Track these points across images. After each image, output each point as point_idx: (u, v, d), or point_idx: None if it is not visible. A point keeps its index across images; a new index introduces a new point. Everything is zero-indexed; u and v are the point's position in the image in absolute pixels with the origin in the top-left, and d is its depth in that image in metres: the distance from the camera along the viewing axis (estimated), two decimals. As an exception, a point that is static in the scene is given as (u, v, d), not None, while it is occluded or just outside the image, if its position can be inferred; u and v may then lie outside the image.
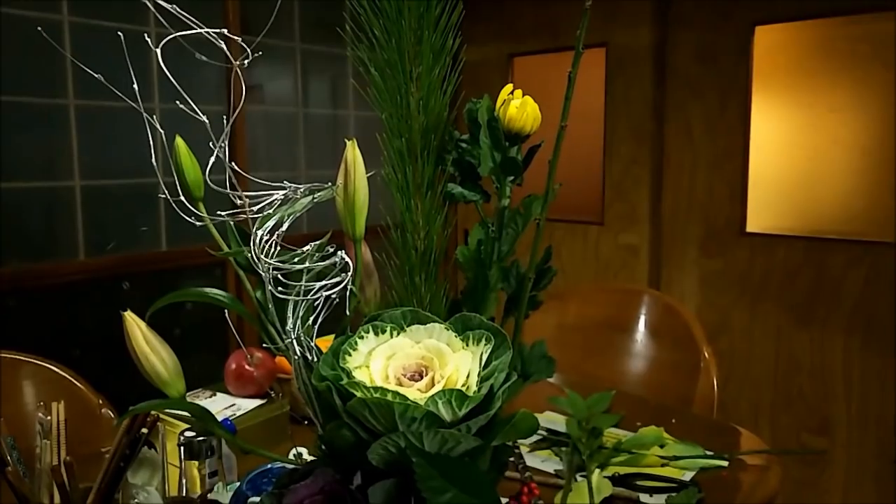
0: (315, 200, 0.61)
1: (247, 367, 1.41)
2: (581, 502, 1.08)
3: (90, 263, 2.24)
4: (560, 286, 2.08)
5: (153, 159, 0.60)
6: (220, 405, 1.37)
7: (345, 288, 0.61)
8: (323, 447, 0.58)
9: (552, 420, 1.39)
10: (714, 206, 2.39)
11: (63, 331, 2.22)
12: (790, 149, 2.26)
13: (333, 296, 0.64)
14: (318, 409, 0.60)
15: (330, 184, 0.60)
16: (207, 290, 0.67)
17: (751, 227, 2.34)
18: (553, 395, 1.36)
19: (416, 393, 0.53)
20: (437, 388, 0.54)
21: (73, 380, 1.55)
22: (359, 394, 0.52)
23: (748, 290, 2.31)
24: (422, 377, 0.55)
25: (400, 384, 0.55)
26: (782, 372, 2.25)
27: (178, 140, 0.65)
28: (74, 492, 0.81)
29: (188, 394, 1.47)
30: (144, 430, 0.85)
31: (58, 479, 0.76)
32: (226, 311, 0.68)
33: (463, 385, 0.54)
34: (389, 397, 0.51)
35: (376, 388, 0.52)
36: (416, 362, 0.56)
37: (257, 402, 1.44)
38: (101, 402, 1.54)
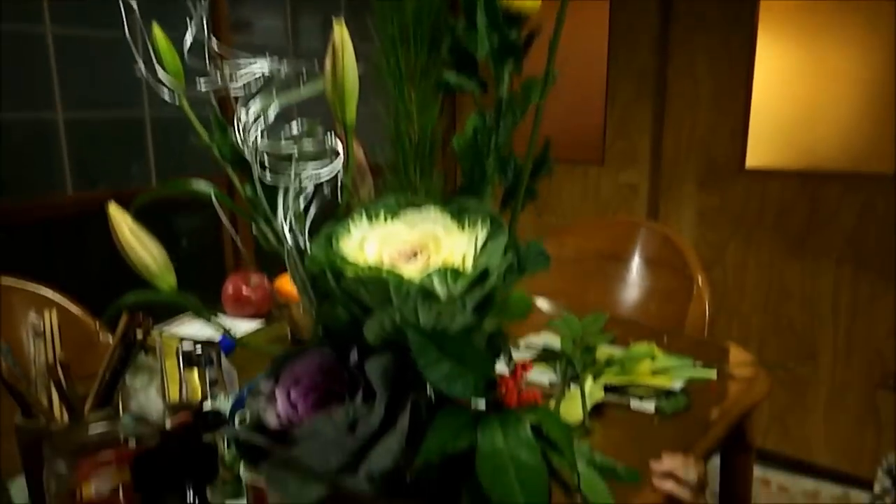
0: (304, 90, 0.60)
1: (244, 289, 1.41)
2: (574, 407, 1.10)
3: (79, 198, 2.22)
4: (558, 224, 2.09)
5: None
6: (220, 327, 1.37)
7: (336, 178, 0.61)
8: (318, 329, 0.59)
9: (548, 341, 1.41)
10: (715, 142, 2.37)
11: (55, 267, 2.22)
12: (792, 83, 2.24)
13: (326, 191, 0.63)
14: (312, 298, 0.60)
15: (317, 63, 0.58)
16: (193, 182, 0.67)
17: (750, 163, 2.33)
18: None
19: (411, 271, 0.53)
20: (433, 268, 0.54)
21: (69, 304, 1.55)
22: (353, 272, 0.52)
23: (743, 225, 2.32)
24: (417, 259, 0.55)
25: (394, 266, 0.55)
26: (773, 303, 2.28)
27: (156, 29, 0.63)
28: (72, 392, 0.82)
29: (185, 315, 1.48)
30: (139, 332, 0.86)
31: (54, 376, 0.77)
32: (231, 257, 0.67)
33: (458, 266, 0.54)
34: (384, 274, 0.51)
35: (370, 267, 0.52)
36: (410, 246, 0.56)
37: (256, 326, 1.45)
38: (98, 327, 1.54)
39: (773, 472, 2.28)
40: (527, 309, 0.57)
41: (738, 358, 1.32)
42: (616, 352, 1.31)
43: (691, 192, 2.43)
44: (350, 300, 0.54)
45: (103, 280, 2.12)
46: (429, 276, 0.51)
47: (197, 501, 0.71)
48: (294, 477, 0.58)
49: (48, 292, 1.56)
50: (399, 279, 0.51)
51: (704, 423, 1.10)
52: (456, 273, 0.51)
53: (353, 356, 0.55)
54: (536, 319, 1.40)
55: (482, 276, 0.54)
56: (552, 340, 1.39)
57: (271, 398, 0.57)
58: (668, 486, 0.94)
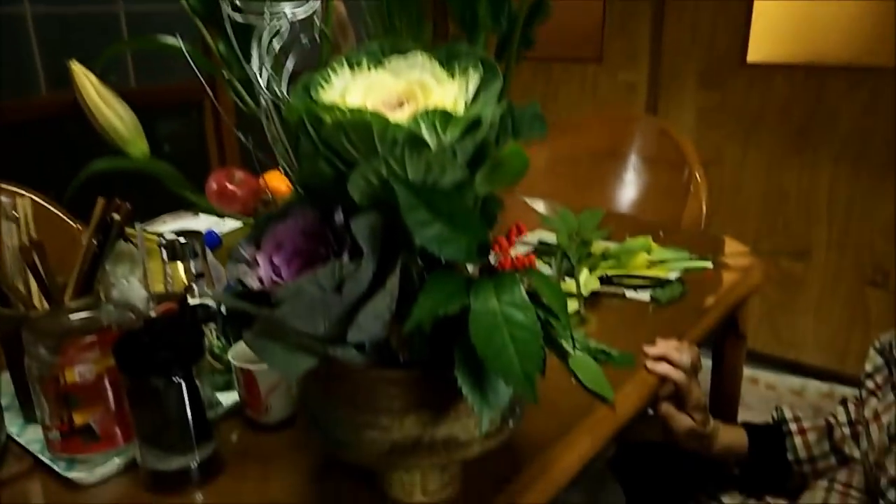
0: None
1: (228, 185, 1.37)
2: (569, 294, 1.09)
3: (53, 99, 2.13)
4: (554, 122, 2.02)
5: None
6: (205, 223, 1.34)
7: (315, 22, 0.55)
8: (300, 191, 0.55)
9: (543, 238, 1.38)
10: (716, 36, 2.28)
11: (31, 169, 2.15)
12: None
13: (304, 41, 0.58)
14: (292, 156, 0.56)
15: None
16: (163, 38, 0.61)
17: (752, 57, 2.25)
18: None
19: (397, 117, 0.49)
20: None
21: (48, 206, 1.50)
22: (333, 118, 0.48)
23: (743, 123, 2.26)
24: (403, 110, 0.51)
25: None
26: (770, 203, 2.25)
27: None
28: (50, 278, 0.79)
29: (167, 215, 1.44)
30: (116, 216, 0.82)
31: (27, 258, 0.74)
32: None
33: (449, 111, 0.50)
34: (367, 117, 0.47)
35: (352, 111, 0.48)
36: (396, 96, 0.52)
37: (242, 222, 1.42)
38: (79, 228, 1.50)
39: (761, 372, 2.32)
40: (523, 167, 0.53)
41: (734, 249, 1.30)
42: (612, 246, 1.28)
43: (691, 90, 2.35)
44: (332, 153, 0.50)
45: (83, 183, 2.06)
46: (417, 120, 0.47)
47: (184, 382, 0.70)
48: (281, 346, 0.56)
49: (28, 194, 1.51)
50: (384, 123, 0.47)
51: (699, 311, 1.09)
52: (446, 117, 0.47)
53: (339, 216, 0.52)
54: (531, 221, 1.37)
55: (474, 123, 0.50)
56: (548, 237, 1.36)
57: (253, 264, 0.54)
58: (662, 368, 0.93)
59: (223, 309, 0.83)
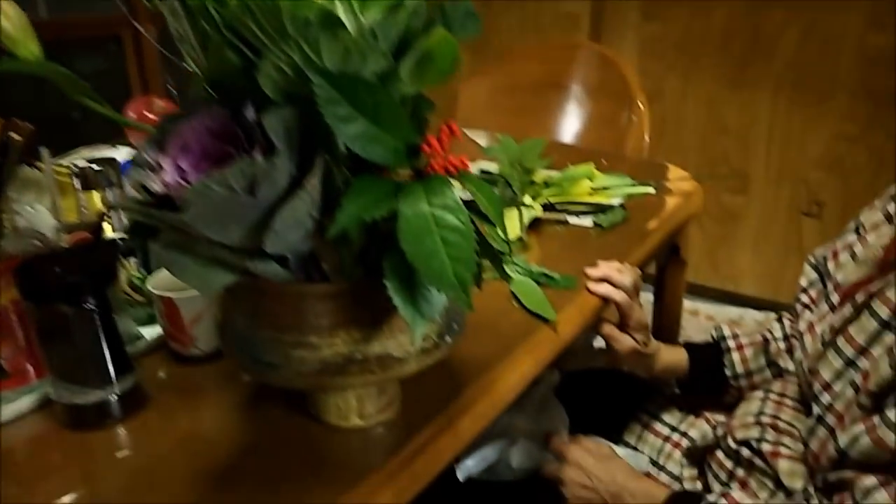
0: None
1: (147, 115, 1.28)
2: (511, 224, 1.06)
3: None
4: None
5: None
6: (123, 155, 1.26)
7: None
8: (207, 88, 0.50)
9: (485, 167, 1.35)
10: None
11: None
12: None
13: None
14: (199, 53, 0.51)
15: None
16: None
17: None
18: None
19: (310, -1, 0.44)
20: (337, -4, 0.44)
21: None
22: (239, -3, 0.43)
23: (685, 55, 2.24)
24: None
25: None
26: (710, 137, 2.26)
27: None
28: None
29: (84, 148, 1.35)
30: (15, 136, 0.75)
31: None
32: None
33: (369, -4, 0.45)
34: (275, -6, 0.42)
35: (259, -13, 0.43)
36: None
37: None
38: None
39: (701, 304, 2.37)
40: (453, 60, 0.49)
41: (675, 175, 1.30)
42: (555, 174, 1.26)
43: (634, 22, 2.32)
44: (238, 39, 0.45)
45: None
46: (331, -2, 0.42)
47: (96, 308, 0.64)
48: (194, 259, 0.52)
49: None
50: (294, 1, 0.42)
51: (641, 235, 1.08)
52: (364, -5, 0.43)
53: (249, 112, 0.47)
54: (473, 153, 1.33)
55: (396, 4, 0.45)
56: (490, 167, 1.33)
57: (158, 169, 0.49)
58: (603, 289, 0.92)
59: (125, 217, 0.77)
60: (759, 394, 0.90)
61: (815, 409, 0.74)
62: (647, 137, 1.58)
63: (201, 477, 0.64)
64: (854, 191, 2.07)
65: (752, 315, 2.27)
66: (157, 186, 0.47)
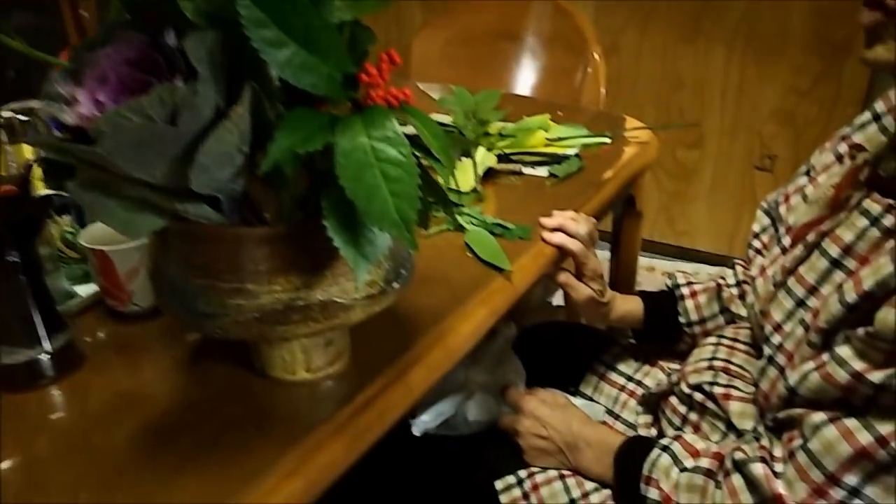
0: None
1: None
2: (465, 176, 1.04)
3: None
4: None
5: None
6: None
7: None
8: (126, 13, 0.46)
9: (438, 119, 1.31)
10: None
11: None
12: None
13: None
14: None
15: None
16: None
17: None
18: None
19: None
20: None
21: None
22: None
23: (640, 10, 2.22)
24: None
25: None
26: (665, 91, 2.25)
27: None
28: None
29: (14, 103, 1.27)
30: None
31: None
32: None
33: None
34: None
35: None
36: None
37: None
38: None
39: (657, 260, 2.39)
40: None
41: (631, 125, 1.28)
42: (510, 126, 1.23)
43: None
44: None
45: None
46: None
47: (20, 261, 0.60)
48: (118, 201, 0.48)
49: None
50: None
51: (597, 184, 1.07)
52: None
53: (170, 37, 0.43)
54: (427, 107, 1.30)
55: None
56: (444, 119, 1.29)
57: (73, 103, 0.45)
58: (558, 239, 0.91)
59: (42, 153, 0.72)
60: (712, 339, 0.90)
61: (766, 351, 0.74)
62: (603, 90, 1.56)
63: (141, 436, 0.61)
64: (805, 144, 2.09)
65: (707, 270, 2.30)
66: (70, 119, 0.43)
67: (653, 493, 0.72)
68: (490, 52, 1.69)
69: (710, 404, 0.80)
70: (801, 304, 0.71)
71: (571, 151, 1.15)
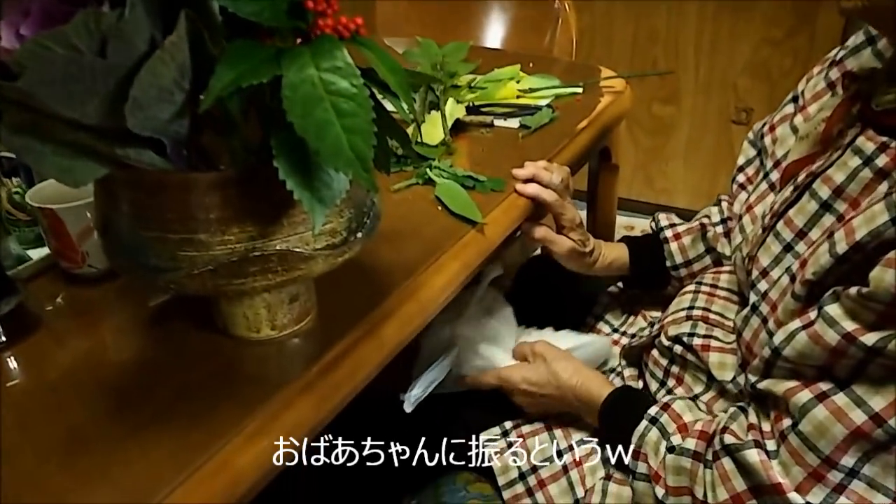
0: None
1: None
2: (435, 129, 1.01)
3: None
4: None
5: None
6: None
7: None
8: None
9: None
10: None
11: None
12: None
13: None
14: None
15: None
16: None
17: None
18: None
19: None
20: None
21: None
22: None
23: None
24: None
25: None
26: (639, 46, 2.22)
27: None
28: None
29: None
30: None
31: None
32: None
33: None
34: None
35: None
36: None
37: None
38: None
39: (636, 219, 2.38)
40: None
41: (605, 75, 1.25)
42: (479, 78, 1.20)
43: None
44: None
45: None
46: None
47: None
48: (53, 147, 0.45)
49: None
50: None
51: (571, 135, 1.04)
52: None
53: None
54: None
55: None
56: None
57: (-7, 40, 0.42)
58: (531, 190, 0.88)
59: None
60: (691, 287, 0.89)
61: (752, 298, 0.71)
62: (575, 40, 1.52)
63: (100, 400, 0.58)
64: (780, 96, 2.06)
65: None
66: (-12, 54, 0.40)
67: (642, 468, 0.70)
68: (457, 6, 1.64)
69: (690, 357, 0.79)
70: (788, 248, 0.67)
71: (543, 102, 1.13)
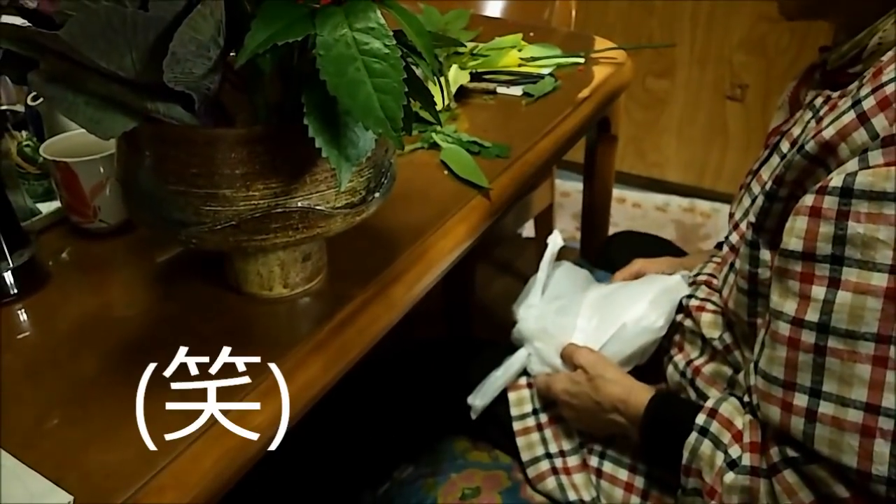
0: None
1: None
2: (437, 94, 1.01)
3: None
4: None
5: None
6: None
7: None
8: None
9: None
10: None
11: None
12: None
13: None
14: None
15: None
16: None
17: None
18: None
19: None
20: None
21: None
22: None
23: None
24: None
25: None
26: (635, 18, 2.22)
27: None
28: None
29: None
30: None
31: None
32: None
33: None
34: None
35: None
36: None
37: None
38: None
39: (628, 192, 2.39)
40: None
41: (605, 45, 1.26)
42: (481, 45, 1.20)
43: None
44: None
45: None
46: None
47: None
48: (85, 98, 0.45)
49: None
50: None
51: (573, 103, 1.05)
52: None
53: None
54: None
55: None
56: (413, 38, 1.25)
57: (28, -11, 0.42)
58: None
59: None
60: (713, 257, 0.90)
61: (729, 256, 0.73)
62: (574, 11, 1.52)
63: (111, 354, 0.59)
64: (776, 73, 2.09)
65: (677, 202, 2.32)
66: (32, 2, 0.40)
67: (694, 483, 0.65)
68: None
69: (687, 322, 0.81)
70: (753, 201, 0.69)
71: (546, 71, 1.13)
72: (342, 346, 0.63)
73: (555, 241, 0.93)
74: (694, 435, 0.65)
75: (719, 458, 0.62)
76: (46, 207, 0.74)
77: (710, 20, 2.13)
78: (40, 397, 0.55)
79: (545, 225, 1.67)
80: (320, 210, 0.54)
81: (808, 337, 0.52)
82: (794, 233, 0.53)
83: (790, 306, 0.53)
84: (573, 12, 1.52)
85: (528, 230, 1.92)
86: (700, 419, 0.65)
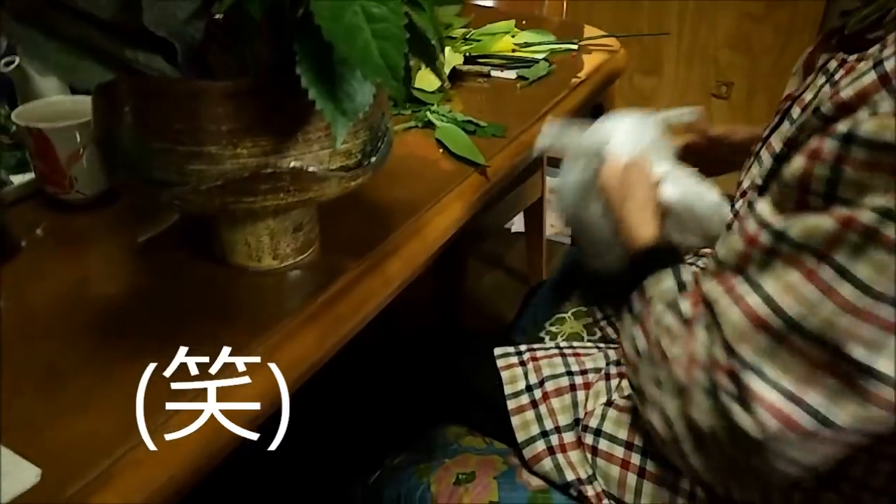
0: None
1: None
2: (431, 76, 0.98)
3: None
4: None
5: None
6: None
7: None
8: None
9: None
10: None
11: None
12: None
13: None
14: None
15: None
16: None
17: None
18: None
19: None
20: None
21: None
22: None
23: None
24: None
25: None
26: (623, 14, 2.21)
27: None
28: None
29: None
30: None
31: None
32: None
33: None
34: None
35: None
36: None
37: None
38: None
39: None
40: None
41: (597, 33, 1.24)
42: (474, 30, 1.18)
43: None
44: None
45: None
46: None
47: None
48: (58, 43, 0.42)
49: None
50: None
51: (567, 87, 1.03)
52: None
53: None
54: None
55: None
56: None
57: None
58: None
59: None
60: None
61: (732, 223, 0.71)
62: (565, 7, 1.51)
63: (88, 329, 0.55)
64: (761, 71, 2.08)
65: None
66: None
67: (638, 306, 0.65)
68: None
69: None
70: (763, 167, 0.67)
71: (539, 56, 1.11)
72: (336, 318, 0.60)
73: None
74: (668, 274, 0.65)
75: (667, 292, 0.63)
76: (19, 180, 0.70)
77: (697, 17, 2.13)
78: (8, 371, 0.51)
79: (534, 220, 1.65)
80: (313, 172, 0.51)
81: (766, 239, 0.52)
82: (791, 170, 0.51)
83: (768, 211, 0.53)
84: (564, 7, 1.50)
85: (518, 225, 1.90)
86: (684, 273, 0.66)
